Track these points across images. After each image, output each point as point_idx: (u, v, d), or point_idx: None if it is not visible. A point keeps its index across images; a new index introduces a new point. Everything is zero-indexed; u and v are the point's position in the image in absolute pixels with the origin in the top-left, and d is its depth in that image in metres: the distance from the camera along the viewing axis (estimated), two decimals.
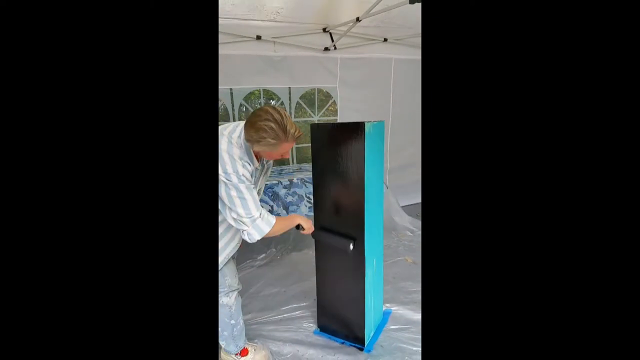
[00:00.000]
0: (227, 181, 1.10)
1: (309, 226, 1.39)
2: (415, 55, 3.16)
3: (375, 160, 1.40)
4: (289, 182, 2.49)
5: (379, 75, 3.15)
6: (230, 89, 2.61)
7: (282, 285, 2.15)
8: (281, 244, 2.60)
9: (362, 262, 1.41)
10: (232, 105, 2.67)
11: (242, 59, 2.53)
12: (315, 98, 3.03)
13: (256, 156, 1.22)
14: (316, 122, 3.09)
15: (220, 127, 1.20)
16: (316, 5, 2.42)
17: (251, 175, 1.17)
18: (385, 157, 3.45)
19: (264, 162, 1.34)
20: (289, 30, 2.55)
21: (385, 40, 2.97)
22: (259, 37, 2.49)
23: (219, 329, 1.39)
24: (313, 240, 1.52)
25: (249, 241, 1.18)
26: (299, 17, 2.51)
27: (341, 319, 1.58)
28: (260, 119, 1.09)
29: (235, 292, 1.39)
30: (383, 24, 2.81)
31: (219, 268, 1.31)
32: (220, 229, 1.26)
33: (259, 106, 2.73)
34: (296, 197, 2.54)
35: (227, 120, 2.69)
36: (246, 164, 1.14)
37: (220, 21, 2.31)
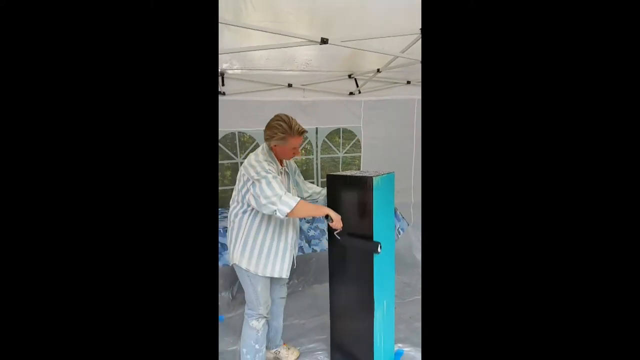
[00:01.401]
0: (258, 177, 1.39)
1: (337, 219, 1.49)
2: None
3: (385, 207, 1.53)
4: (311, 217, 2.65)
5: (402, 115, 3.29)
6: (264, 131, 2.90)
7: (302, 317, 2.27)
8: (303, 275, 2.73)
9: (372, 303, 1.51)
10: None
11: (274, 104, 2.80)
12: (340, 136, 3.23)
13: (279, 161, 1.59)
14: (341, 158, 3.27)
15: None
16: (342, 56, 2.66)
17: (278, 173, 1.48)
18: (409, 192, 3.53)
19: (287, 167, 1.68)
20: (317, 78, 2.80)
21: (409, 82, 3.13)
22: (290, 85, 2.76)
23: (244, 350, 1.55)
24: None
25: (280, 216, 1.38)
26: (326, 66, 2.76)
27: (352, 356, 1.66)
28: (273, 120, 1.53)
29: (264, 320, 1.58)
30: (406, 68, 2.98)
31: (268, 280, 1.57)
32: (267, 242, 1.53)
33: None
34: (318, 231, 2.69)
35: None
36: (271, 161, 1.49)
37: (255, 72, 2.61)
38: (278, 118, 1.53)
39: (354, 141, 3.26)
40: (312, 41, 1.63)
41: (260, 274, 1.52)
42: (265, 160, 1.46)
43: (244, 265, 1.51)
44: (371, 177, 1.40)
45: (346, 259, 1.58)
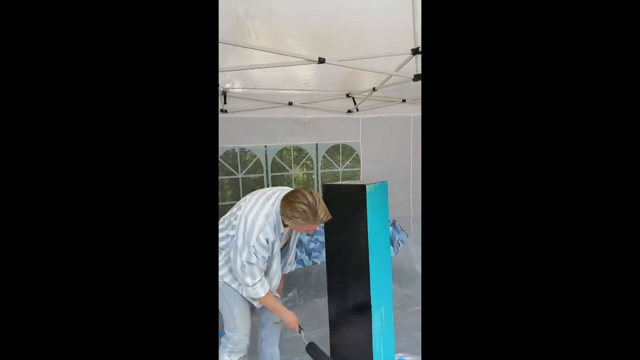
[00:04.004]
0: (240, 246, 1.28)
1: (290, 323, 1.47)
2: None
3: (379, 213, 1.59)
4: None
5: (399, 131, 3.40)
6: (265, 146, 3.00)
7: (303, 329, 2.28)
8: (304, 288, 2.75)
9: (369, 311, 1.55)
10: (266, 160, 3.04)
11: (275, 121, 2.93)
12: (340, 152, 3.33)
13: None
14: (340, 172, 3.36)
15: (258, 193, 1.39)
16: (339, 76, 2.79)
17: (272, 242, 1.32)
18: (408, 205, 3.58)
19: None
20: (316, 97, 2.93)
21: (404, 101, 3.26)
22: (290, 103, 2.89)
23: None
24: None
25: (245, 296, 1.37)
26: (325, 86, 2.89)
27: None
28: (297, 200, 1.25)
29: (239, 357, 1.43)
30: (401, 86, 3.11)
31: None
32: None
33: (291, 161, 3.10)
34: (318, 243, 2.74)
35: (260, 171, 3.04)
36: (263, 241, 1.28)
37: (258, 91, 2.74)
38: (304, 202, 1.24)
39: (353, 156, 3.36)
40: (310, 60, 1.76)
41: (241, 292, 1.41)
42: (261, 231, 1.28)
43: (227, 279, 1.39)
44: (364, 185, 1.48)
45: (343, 268, 1.63)
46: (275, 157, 3.09)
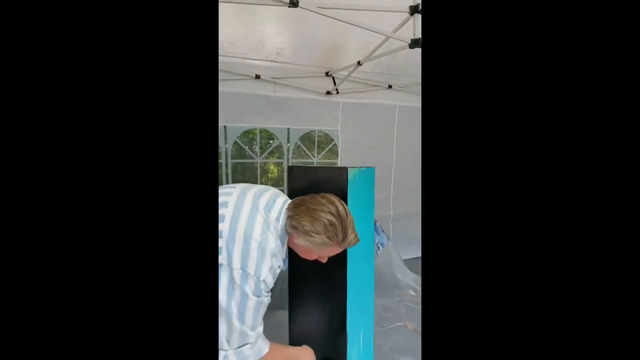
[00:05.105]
0: (240, 281, 0.82)
1: None
2: (420, 102, 3.09)
3: (364, 209, 1.19)
4: None
5: (383, 121, 3.06)
6: (225, 126, 2.51)
7: None
8: None
9: (344, 337, 1.14)
10: (225, 143, 2.56)
11: (239, 97, 2.46)
12: (315, 140, 2.92)
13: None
14: (315, 164, 2.94)
15: (242, 187, 0.94)
16: (318, 48, 2.39)
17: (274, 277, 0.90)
18: (388, 204, 3.24)
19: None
20: (289, 72, 2.51)
21: (390, 87, 2.91)
22: (257, 77, 2.44)
23: None
24: None
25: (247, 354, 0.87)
26: (300, 60, 2.48)
27: None
28: (321, 208, 0.88)
29: None
30: (387, 71, 2.76)
31: None
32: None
33: (257, 145, 2.65)
34: None
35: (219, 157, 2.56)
36: (276, 268, 0.88)
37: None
38: (331, 210, 0.89)
39: (330, 146, 2.95)
40: (280, 1, 1.32)
41: None
42: (272, 259, 0.86)
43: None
44: (346, 169, 1.07)
45: (311, 277, 1.21)
46: (238, 140, 2.61)
